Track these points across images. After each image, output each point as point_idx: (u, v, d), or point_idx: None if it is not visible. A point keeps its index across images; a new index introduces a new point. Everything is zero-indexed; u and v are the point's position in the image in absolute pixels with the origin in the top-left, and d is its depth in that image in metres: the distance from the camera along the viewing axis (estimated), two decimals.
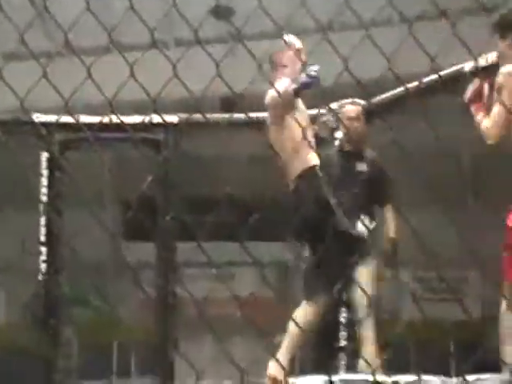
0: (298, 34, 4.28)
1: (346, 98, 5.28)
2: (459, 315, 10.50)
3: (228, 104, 7.55)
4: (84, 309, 11.90)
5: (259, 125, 4.40)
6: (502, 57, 3.75)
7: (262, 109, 4.38)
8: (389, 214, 5.36)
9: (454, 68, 4.62)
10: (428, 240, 1.94)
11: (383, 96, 5.38)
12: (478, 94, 3.75)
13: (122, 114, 5.66)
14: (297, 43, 4.44)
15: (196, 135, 6.23)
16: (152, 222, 5.51)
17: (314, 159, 4.34)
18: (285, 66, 4.38)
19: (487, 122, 3.63)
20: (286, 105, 4.19)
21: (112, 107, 1.72)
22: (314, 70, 4.15)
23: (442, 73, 4.50)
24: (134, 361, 13.44)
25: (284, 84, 4.22)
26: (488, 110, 3.65)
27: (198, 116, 5.80)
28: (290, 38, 4.46)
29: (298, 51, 4.36)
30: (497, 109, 3.59)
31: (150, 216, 5.63)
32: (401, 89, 5.04)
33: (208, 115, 5.45)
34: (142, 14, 1.80)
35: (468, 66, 4.24)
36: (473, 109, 3.73)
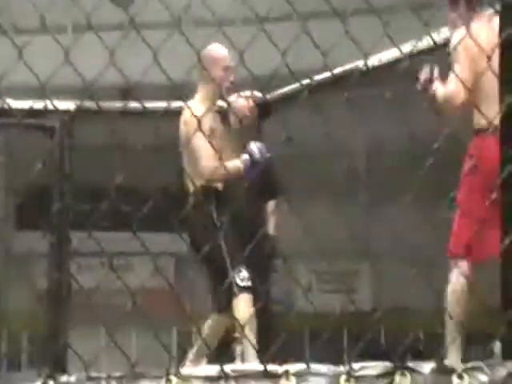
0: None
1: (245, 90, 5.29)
2: (351, 306, 10.76)
3: (124, 93, 7.47)
4: None
5: (154, 115, 4.41)
6: (452, 28, 3.76)
7: (158, 98, 4.38)
8: (271, 210, 5.41)
9: (348, 66, 4.71)
10: (321, 234, 1.98)
11: (280, 91, 5.42)
12: (429, 80, 3.72)
13: (15, 98, 5.52)
14: (226, 59, 4.42)
15: (91, 123, 6.13)
16: (44, 210, 5.39)
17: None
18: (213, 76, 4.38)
19: (451, 85, 3.55)
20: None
21: None
22: (254, 152, 4.28)
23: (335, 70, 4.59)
24: (25, 353, 13.12)
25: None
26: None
27: (92, 104, 5.71)
28: (218, 51, 4.47)
29: (227, 67, 4.42)
30: (458, 68, 3.52)
31: (42, 204, 5.51)
32: (296, 85, 5.10)
33: (103, 103, 5.36)
34: None
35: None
36: (430, 89, 3.67)
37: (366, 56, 3.77)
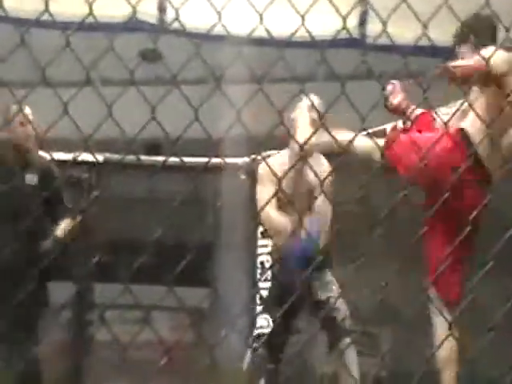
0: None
1: None
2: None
3: (154, 147, 7.58)
4: None
5: (186, 169, 4.47)
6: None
7: (189, 153, 4.45)
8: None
9: None
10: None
11: None
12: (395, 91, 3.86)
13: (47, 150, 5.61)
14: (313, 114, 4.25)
15: (121, 176, 6.21)
16: (67, 260, 5.44)
17: None
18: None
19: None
20: None
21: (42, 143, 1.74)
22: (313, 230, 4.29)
23: None
24: None
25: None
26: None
27: (123, 157, 5.80)
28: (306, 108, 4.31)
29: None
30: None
31: (70, 255, 5.56)
32: None
33: (134, 157, 5.45)
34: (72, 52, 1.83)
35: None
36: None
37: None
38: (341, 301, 4.33)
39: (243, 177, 5.63)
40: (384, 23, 1.42)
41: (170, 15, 8.49)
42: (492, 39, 3.71)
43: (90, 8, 1.84)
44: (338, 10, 1.65)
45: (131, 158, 5.36)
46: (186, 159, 4.97)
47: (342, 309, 4.34)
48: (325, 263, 4.42)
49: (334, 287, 4.40)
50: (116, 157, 5.81)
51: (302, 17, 1.66)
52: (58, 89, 1.81)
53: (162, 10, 8.30)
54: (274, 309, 4.57)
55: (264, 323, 5.20)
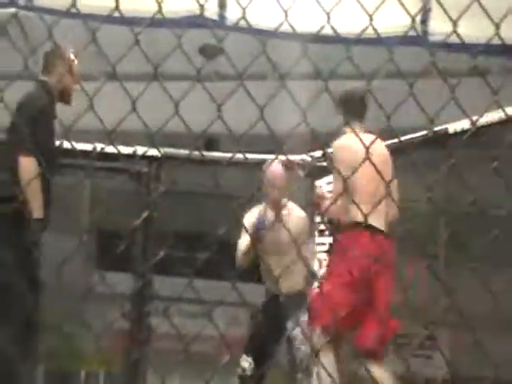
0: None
1: None
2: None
3: (211, 142, 7.64)
4: (53, 335, 11.76)
5: (244, 165, 4.51)
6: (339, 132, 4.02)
7: (247, 150, 4.48)
8: None
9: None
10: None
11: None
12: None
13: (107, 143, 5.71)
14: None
15: (182, 170, 6.28)
16: (127, 252, 5.52)
17: None
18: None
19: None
20: None
21: (112, 137, 1.77)
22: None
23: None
24: None
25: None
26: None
27: (181, 152, 5.86)
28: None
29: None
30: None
31: (125, 246, 5.63)
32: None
33: (193, 152, 5.51)
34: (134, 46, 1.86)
35: None
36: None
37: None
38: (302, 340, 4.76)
39: (301, 174, 5.65)
40: (454, 22, 1.42)
41: (229, 11, 8.53)
42: (360, 115, 3.96)
43: (159, 5, 1.87)
44: (405, 9, 1.65)
45: (191, 152, 5.41)
46: (249, 155, 5.03)
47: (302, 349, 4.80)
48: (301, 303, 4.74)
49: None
50: (175, 151, 5.88)
51: (370, 16, 1.66)
52: (124, 83, 1.84)
53: (222, 6, 8.34)
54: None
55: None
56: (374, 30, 1.66)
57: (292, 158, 5.65)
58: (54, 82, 4.10)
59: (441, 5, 1.55)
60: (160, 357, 5.39)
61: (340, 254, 3.83)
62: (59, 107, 4.10)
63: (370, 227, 3.61)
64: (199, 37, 11.02)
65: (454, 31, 1.43)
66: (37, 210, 3.77)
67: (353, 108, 3.96)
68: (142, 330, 5.52)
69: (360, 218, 3.53)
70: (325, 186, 5.52)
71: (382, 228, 3.70)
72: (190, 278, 1.75)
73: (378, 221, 3.64)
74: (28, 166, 3.69)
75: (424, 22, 6.67)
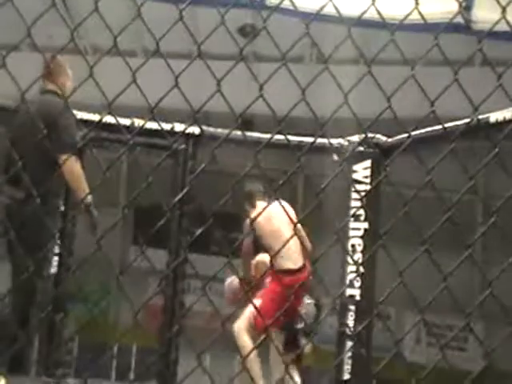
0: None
1: None
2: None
3: (246, 123, 7.63)
4: (85, 306, 11.92)
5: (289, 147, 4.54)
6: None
7: (281, 131, 4.48)
8: None
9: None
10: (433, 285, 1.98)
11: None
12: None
13: (143, 119, 5.74)
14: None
15: (219, 149, 6.29)
16: (163, 229, 5.55)
17: None
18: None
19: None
20: None
21: (153, 113, 1.78)
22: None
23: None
24: (135, 365, 13.40)
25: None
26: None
27: (219, 130, 5.87)
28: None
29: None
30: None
31: (165, 224, 5.66)
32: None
33: (229, 131, 5.51)
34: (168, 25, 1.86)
35: None
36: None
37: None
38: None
39: (336, 158, 5.63)
40: (503, 10, 1.40)
41: None
42: (252, 206, 5.10)
43: None
44: None
45: (229, 132, 5.40)
46: (291, 137, 5.02)
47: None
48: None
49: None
50: (214, 130, 5.89)
51: (416, 1, 1.65)
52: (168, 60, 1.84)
53: None
54: None
55: None
56: (420, 15, 1.65)
57: (330, 141, 5.63)
58: (58, 90, 4.32)
59: None
60: (192, 334, 5.44)
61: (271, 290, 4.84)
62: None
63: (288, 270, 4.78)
64: (239, 16, 10.98)
65: (503, 17, 1.42)
66: (88, 197, 4.13)
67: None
68: (177, 307, 5.56)
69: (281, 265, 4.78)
70: (362, 171, 5.49)
71: (297, 266, 4.85)
72: (228, 257, 1.75)
73: (292, 262, 4.83)
74: (71, 164, 4.07)
75: (467, 8, 6.57)
